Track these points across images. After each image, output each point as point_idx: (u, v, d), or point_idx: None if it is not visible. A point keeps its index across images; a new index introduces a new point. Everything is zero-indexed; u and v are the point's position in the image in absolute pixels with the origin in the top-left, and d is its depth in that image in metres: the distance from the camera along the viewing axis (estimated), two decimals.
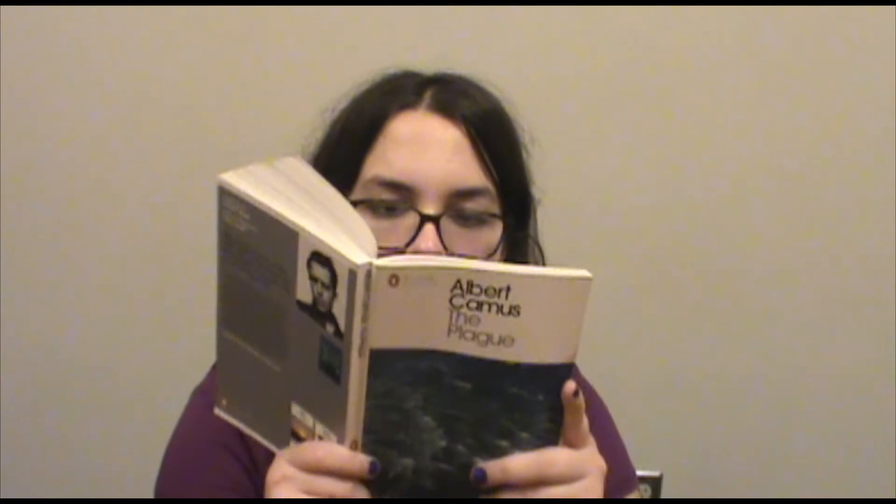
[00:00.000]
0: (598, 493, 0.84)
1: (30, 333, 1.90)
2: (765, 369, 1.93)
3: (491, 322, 0.78)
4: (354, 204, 0.99)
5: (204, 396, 1.03)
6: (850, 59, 1.83)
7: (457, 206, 0.99)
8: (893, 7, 1.80)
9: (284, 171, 0.83)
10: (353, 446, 0.80)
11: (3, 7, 1.78)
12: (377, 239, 0.96)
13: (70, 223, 1.87)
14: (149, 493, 1.06)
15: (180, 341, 1.83)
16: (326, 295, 0.78)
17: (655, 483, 1.90)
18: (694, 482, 1.94)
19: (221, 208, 0.82)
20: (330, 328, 0.78)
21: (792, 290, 1.91)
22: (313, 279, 0.78)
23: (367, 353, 0.77)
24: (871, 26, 1.81)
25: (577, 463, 0.82)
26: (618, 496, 1.09)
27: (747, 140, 1.86)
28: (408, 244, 0.97)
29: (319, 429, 0.82)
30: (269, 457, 0.86)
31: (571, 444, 0.83)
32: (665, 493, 1.91)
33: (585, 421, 0.84)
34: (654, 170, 1.87)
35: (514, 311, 0.78)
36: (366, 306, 0.76)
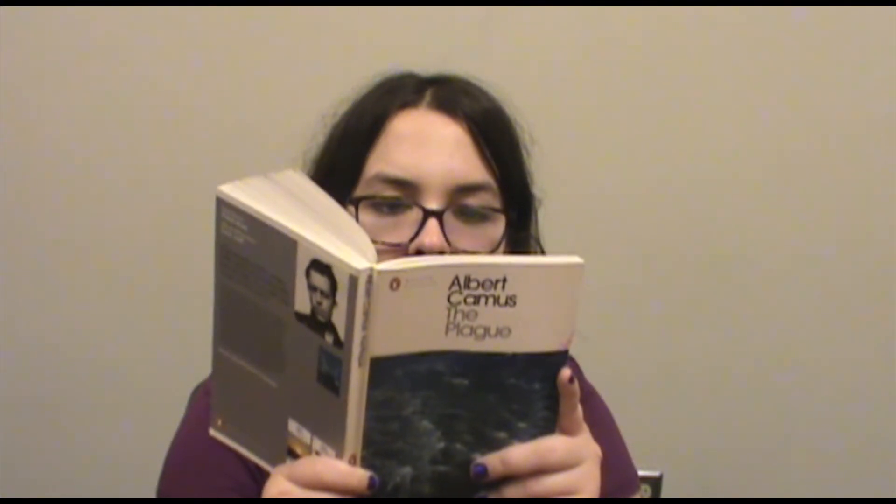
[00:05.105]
0: (595, 478, 0.84)
1: (30, 333, 1.90)
2: (765, 369, 1.93)
3: (488, 314, 0.78)
4: (357, 200, 1.00)
5: (207, 396, 1.03)
6: (850, 59, 1.83)
7: (459, 201, 1.00)
8: (893, 7, 1.80)
9: (282, 182, 0.83)
10: (352, 461, 0.79)
11: (3, 7, 1.78)
12: (380, 235, 0.97)
13: (70, 223, 1.87)
14: (151, 494, 1.06)
15: (182, 340, 1.83)
16: (326, 304, 0.77)
17: (655, 483, 1.90)
18: (694, 482, 1.94)
19: (219, 220, 0.82)
20: (329, 338, 0.78)
21: (792, 290, 1.91)
22: (312, 288, 0.78)
23: (367, 363, 0.77)
24: (871, 26, 1.81)
25: (575, 449, 0.83)
26: (620, 498, 1.10)
27: (747, 140, 1.86)
28: (411, 239, 0.98)
29: (317, 444, 0.81)
30: None
31: (567, 432, 0.84)
32: (665, 493, 1.91)
33: (580, 408, 0.84)
34: (655, 170, 1.87)
35: (511, 301, 0.78)
36: (366, 313, 0.76)
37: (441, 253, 0.97)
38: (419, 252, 0.97)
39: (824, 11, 1.80)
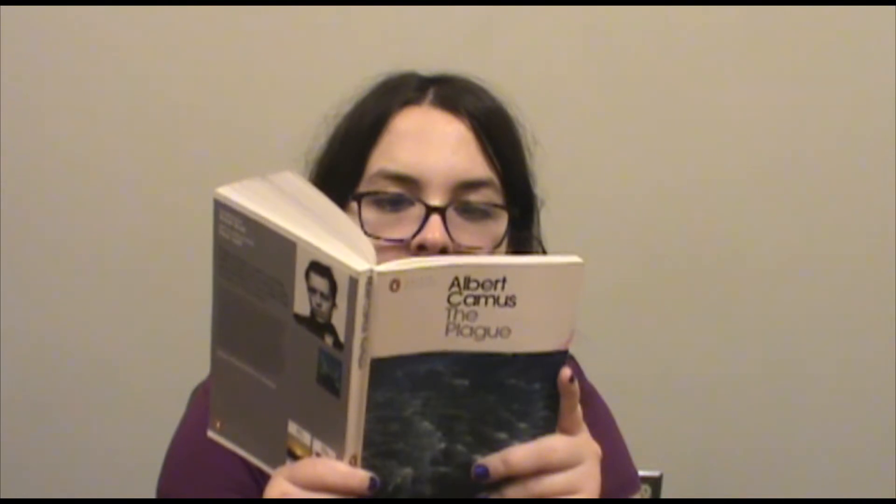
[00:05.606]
0: (596, 477, 0.85)
1: (30, 333, 1.90)
2: (765, 369, 1.93)
3: (488, 315, 0.78)
4: (360, 197, 1.00)
5: (206, 396, 1.03)
6: (851, 59, 1.83)
7: (462, 197, 1.00)
8: (893, 7, 1.80)
9: (280, 184, 0.83)
10: (353, 462, 0.79)
11: (3, 7, 1.78)
12: (382, 231, 0.97)
13: (70, 224, 1.87)
14: (151, 494, 1.06)
15: (181, 340, 1.83)
16: (325, 306, 0.77)
17: (655, 483, 1.90)
18: (694, 482, 1.94)
19: (217, 223, 0.82)
20: (329, 340, 0.78)
21: (792, 291, 1.91)
22: (311, 290, 0.78)
23: (367, 364, 0.77)
24: (871, 26, 1.81)
25: (575, 448, 0.83)
26: (620, 498, 1.10)
27: (748, 141, 1.86)
28: (414, 235, 0.98)
29: (317, 445, 0.81)
30: None
31: (567, 431, 0.84)
32: (665, 493, 1.91)
33: (580, 407, 0.84)
34: (656, 171, 1.87)
35: (510, 301, 0.78)
36: (366, 315, 0.76)
37: (444, 249, 0.97)
38: (421, 248, 0.97)
39: (824, 11, 1.80)
